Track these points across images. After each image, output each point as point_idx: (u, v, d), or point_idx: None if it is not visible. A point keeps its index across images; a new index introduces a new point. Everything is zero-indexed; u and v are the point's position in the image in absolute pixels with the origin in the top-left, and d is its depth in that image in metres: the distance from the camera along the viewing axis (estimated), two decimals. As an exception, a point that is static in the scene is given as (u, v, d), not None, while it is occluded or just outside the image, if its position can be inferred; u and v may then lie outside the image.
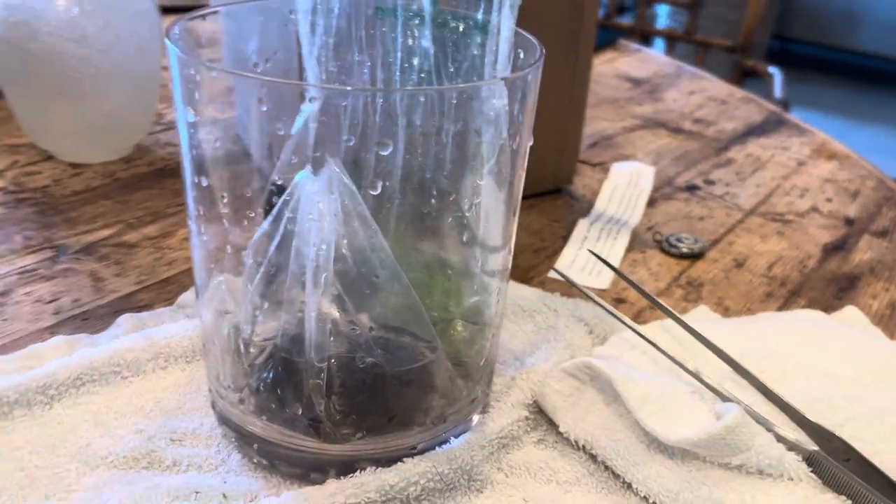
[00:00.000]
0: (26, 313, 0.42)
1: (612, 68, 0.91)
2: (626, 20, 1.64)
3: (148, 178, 0.57)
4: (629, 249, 0.53)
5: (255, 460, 0.33)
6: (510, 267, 0.35)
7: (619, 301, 0.48)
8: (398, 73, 0.35)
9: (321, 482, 0.31)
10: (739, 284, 0.50)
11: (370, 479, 0.31)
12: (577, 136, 0.59)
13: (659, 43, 2.42)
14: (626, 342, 0.39)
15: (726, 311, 0.47)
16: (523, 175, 0.33)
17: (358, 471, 0.31)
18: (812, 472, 0.32)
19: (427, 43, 0.34)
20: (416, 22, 0.34)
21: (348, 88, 0.32)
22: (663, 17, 3.31)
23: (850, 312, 0.46)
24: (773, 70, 1.37)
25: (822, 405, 0.35)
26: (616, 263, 0.51)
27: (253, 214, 0.31)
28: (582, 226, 0.55)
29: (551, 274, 0.49)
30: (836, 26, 3.38)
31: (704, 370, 0.36)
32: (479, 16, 0.34)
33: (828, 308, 0.48)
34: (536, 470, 0.34)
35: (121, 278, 0.46)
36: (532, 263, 0.51)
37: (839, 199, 0.63)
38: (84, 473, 0.32)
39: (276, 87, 0.28)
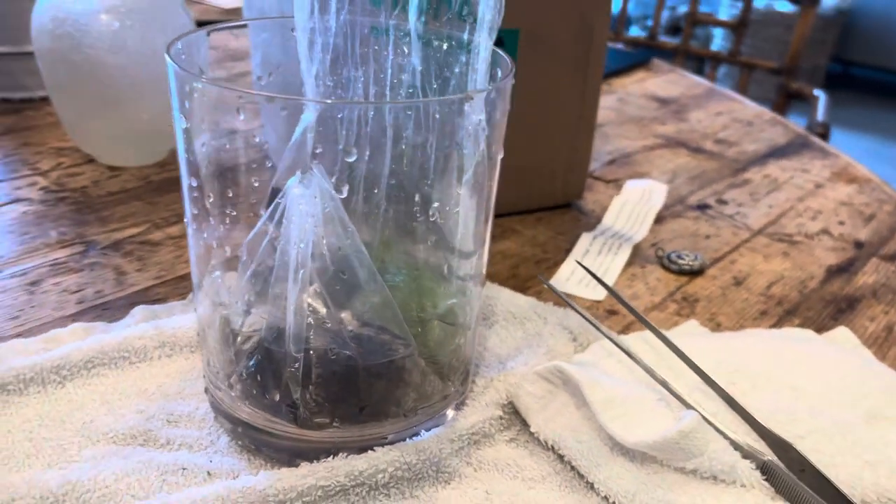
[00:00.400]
0: (52, 301, 0.46)
1: (641, 88, 0.92)
2: (674, 41, 1.64)
3: (178, 182, 0.61)
4: (630, 264, 0.54)
5: (241, 443, 0.36)
6: (484, 272, 0.37)
7: (611, 313, 0.49)
8: (388, 89, 0.37)
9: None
10: (735, 301, 0.51)
11: (341, 465, 0.33)
12: (587, 153, 0.61)
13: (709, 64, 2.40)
14: (605, 350, 0.41)
15: (717, 327, 0.48)
16: (494, 186, 0.35)
17: (331, 457, 0.34)
18: (765, 480, 0.33)
19: (416, 60, 0.37)
20: (407, 41, 0.37)
21: (328, 101, 0.35)
22: (718, 38, 3.29)
23: (840, 333, 0.47)
24: (819, 93, 1.35)
25: (783, 416, 0.36)
26: (614, 277, 0.53)
27: (243, 215, 0.34)
28: (585, 239, 0.57)
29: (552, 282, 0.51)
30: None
31: (676, 380, 0.38)
32: (465, 36, 0.36)
33: (821, 329, 0.48)
34: (504, 466, 0.36)
35: (142, 273, 0.49)
36: (532, 274, 0.52)
37: (852, 223, 0.63)
38: (85, 446, 0.35)
39: (262, 101, 0.31)
